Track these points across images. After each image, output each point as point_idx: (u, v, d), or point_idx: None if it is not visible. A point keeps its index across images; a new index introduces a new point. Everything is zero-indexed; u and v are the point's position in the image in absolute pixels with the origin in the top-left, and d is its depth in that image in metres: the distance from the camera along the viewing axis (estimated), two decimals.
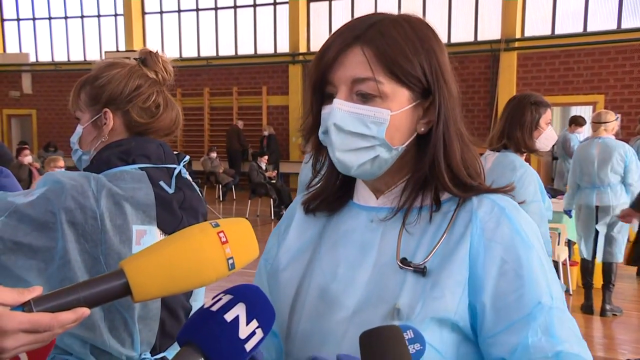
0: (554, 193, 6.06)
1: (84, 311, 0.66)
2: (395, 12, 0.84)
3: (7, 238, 1.09)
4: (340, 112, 0.79)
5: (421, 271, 0.78)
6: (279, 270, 0.90)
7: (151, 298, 0.70)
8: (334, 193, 0.91)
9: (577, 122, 7.30)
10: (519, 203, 0.85)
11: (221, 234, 0.70)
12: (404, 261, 0.80)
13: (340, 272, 0.84)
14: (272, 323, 0.73)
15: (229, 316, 0.68)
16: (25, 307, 0.65)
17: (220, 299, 0.71)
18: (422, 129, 0.83)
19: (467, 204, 0.82)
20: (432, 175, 0.83)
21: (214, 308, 0.69)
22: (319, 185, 0.93)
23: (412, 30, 0.81)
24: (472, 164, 0.85)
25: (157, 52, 1.34)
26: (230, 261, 0.70)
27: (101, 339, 1.14)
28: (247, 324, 0.68)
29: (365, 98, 0.79)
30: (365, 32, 0.79)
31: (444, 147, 0.82)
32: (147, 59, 1.32)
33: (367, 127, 0.79)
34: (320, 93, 0.83)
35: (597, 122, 4.53)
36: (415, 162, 0.85)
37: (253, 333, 0.69)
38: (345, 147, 0.80)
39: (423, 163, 0.83)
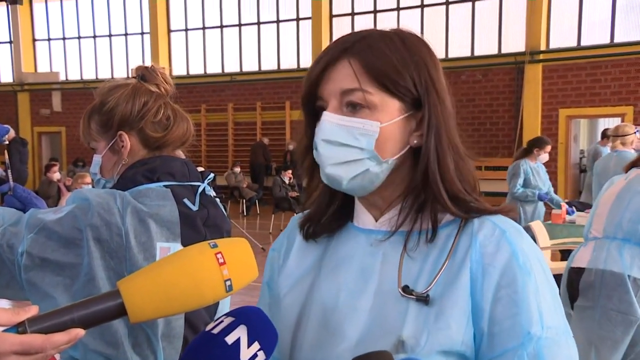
0: (581, 207, 5.95)
1: (78, 332, 0.65)
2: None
3: (36, 254, 1.10)
4: (329, 124, 0.78)
5: (424, 300, 0.75)
6: (281, 297, 0.88)
7: (147, 319, 0.69)
8: (332, 216, 0.88)
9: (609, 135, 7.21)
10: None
11: (219, 255, 0.69)
12: (406, 289, 0.77)
13: (342, 299, 0.81)
14: (275, 345, 0.72)
15: (230, 339, 0.68)
16: (19, 327, 0.64)
17: (221, 321, 0.70)
18: (415, 142, 0.80)
19: (468, 226, 0.79)
20: (428, 192, 0.80)
21: (215, 331, 0.69)
22: (312, 207, 0.90)
23: (402, 43, 0.80)
24: (467, 179, 0.82)
25: (152, 65, 1.34)
26: (228, 283, 0.69)
27: (124, 357, 1.14)
28: (249, 346, 0.68)
29: (354, 109, 0.78)
30: (352, 45, 0.79)
31: (437, 159, 0.79)
32: (146, 74, 1.32)
33: (355, 138, 0.77)
34: (312, 110, 0.82)
35: (614, 136, 4.54)
36: (411, 177, 0.82)
37: (255, 355, 0.68)
38: (334, 161, 0.78)
39: (415, 174, 0.80)
